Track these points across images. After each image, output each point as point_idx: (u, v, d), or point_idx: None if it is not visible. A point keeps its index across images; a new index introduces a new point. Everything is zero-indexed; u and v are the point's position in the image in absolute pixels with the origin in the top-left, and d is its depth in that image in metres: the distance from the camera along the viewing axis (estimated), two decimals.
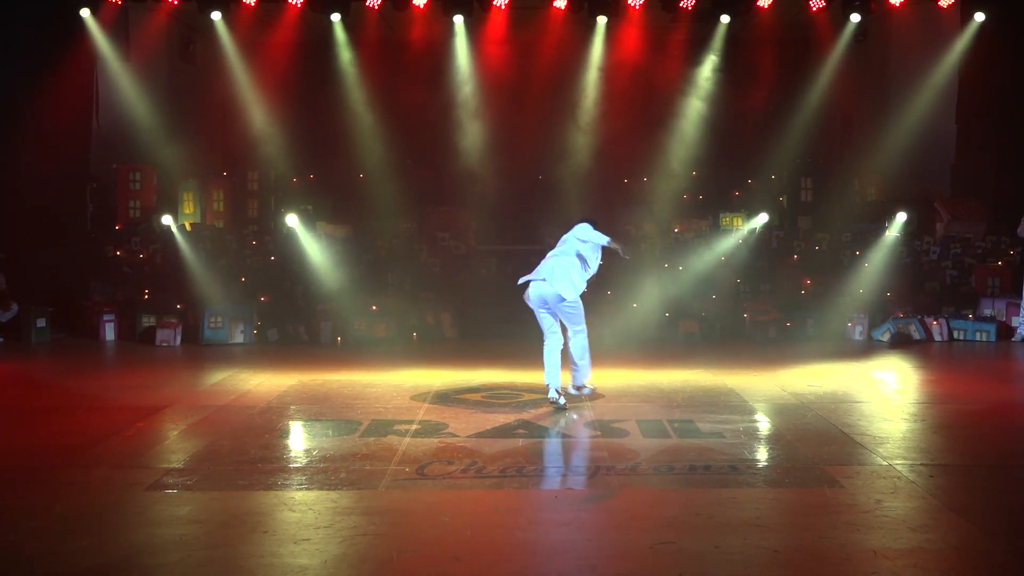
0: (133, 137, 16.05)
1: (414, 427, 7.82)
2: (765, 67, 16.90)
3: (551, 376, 8.64)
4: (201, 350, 12.61)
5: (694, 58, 16.83)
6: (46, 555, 4.99)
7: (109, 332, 13.35)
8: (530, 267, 8.82)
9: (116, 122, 16.12)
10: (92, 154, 15.90)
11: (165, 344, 12.79)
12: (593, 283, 8.80)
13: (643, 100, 17.07)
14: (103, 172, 16.37)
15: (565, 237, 8.73)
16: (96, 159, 16.04)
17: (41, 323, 13.05)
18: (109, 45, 15.65)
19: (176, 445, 7.36)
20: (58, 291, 13.92)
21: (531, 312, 8.75)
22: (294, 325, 13.29)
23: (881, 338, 13.12)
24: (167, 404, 8.78)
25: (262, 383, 9.95)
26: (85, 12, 15.15)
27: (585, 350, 8.82)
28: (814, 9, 15.56)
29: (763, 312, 13.64)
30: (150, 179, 16.49)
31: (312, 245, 14.48)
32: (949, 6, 15.52)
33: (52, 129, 14.48)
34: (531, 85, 16.64)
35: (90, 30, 15.30)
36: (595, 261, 8.68)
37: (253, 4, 15.46)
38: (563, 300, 8.51)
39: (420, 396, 9.16)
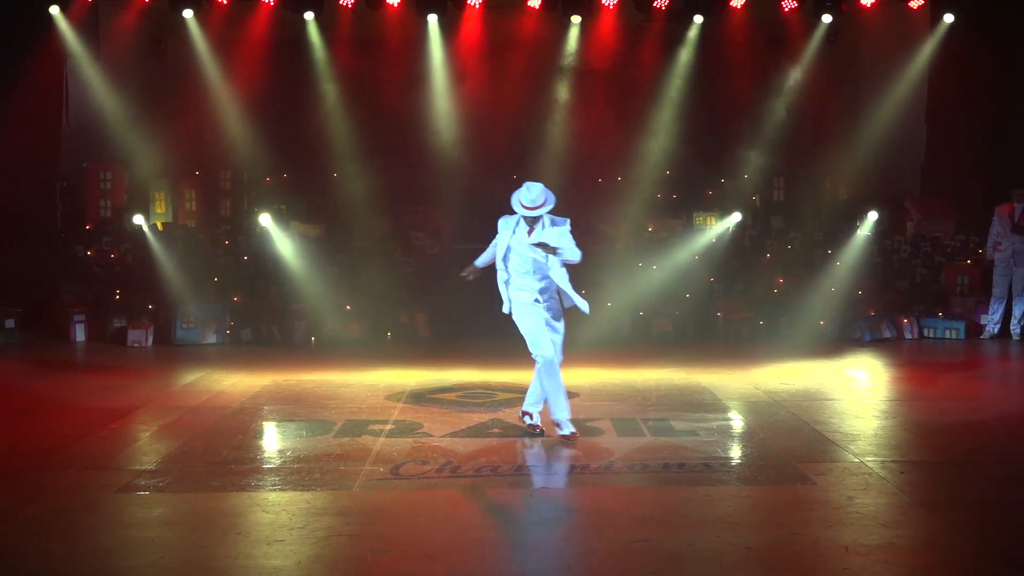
0: (103, 136, 15.87)
1: (388, 427, 7.81)
2: (737, 67, 16.97)
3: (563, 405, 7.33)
4: (173, 351, 12.51)
5: (668, 58, 16.90)
6: (17, 557, 4.95)
7: (79, 333, 13.21)
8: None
9: (86, 121, 15.94)
10: (62, 153, 15.71)
11: (136, 345, 12.68)
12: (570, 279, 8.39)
13: (617, 99, 17.10)
14: (73, 171, 16.17)
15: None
16: (66, 158, 15.85)
17: (10, 324, 12.88)
18: (79, 43, 15.46)
19: (148, 447, 7.31)
20: (27, 292, 13.73)
21: (503, 311, 7.55)
22: (267, 325, 13.22)
23: (853, 336, 13.22)
24: (139, 405, 8.71)
25: (235, 384, 9.89)
26: (55, 9, 14.96)
27: None
28: (786, 10, 15.66)
29: (736, 311, 13.72)
30: (121, 178, 16.31)
31: (285, 245, 14.38)
32: (919, 8, 15.66)
33: (21, 128, 14.27)
34: (505, 84, 16.62)
35: (59, 27, 15.10)
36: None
37: (225, 2, 15.33)
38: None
39: (394, 396, 9.15)
